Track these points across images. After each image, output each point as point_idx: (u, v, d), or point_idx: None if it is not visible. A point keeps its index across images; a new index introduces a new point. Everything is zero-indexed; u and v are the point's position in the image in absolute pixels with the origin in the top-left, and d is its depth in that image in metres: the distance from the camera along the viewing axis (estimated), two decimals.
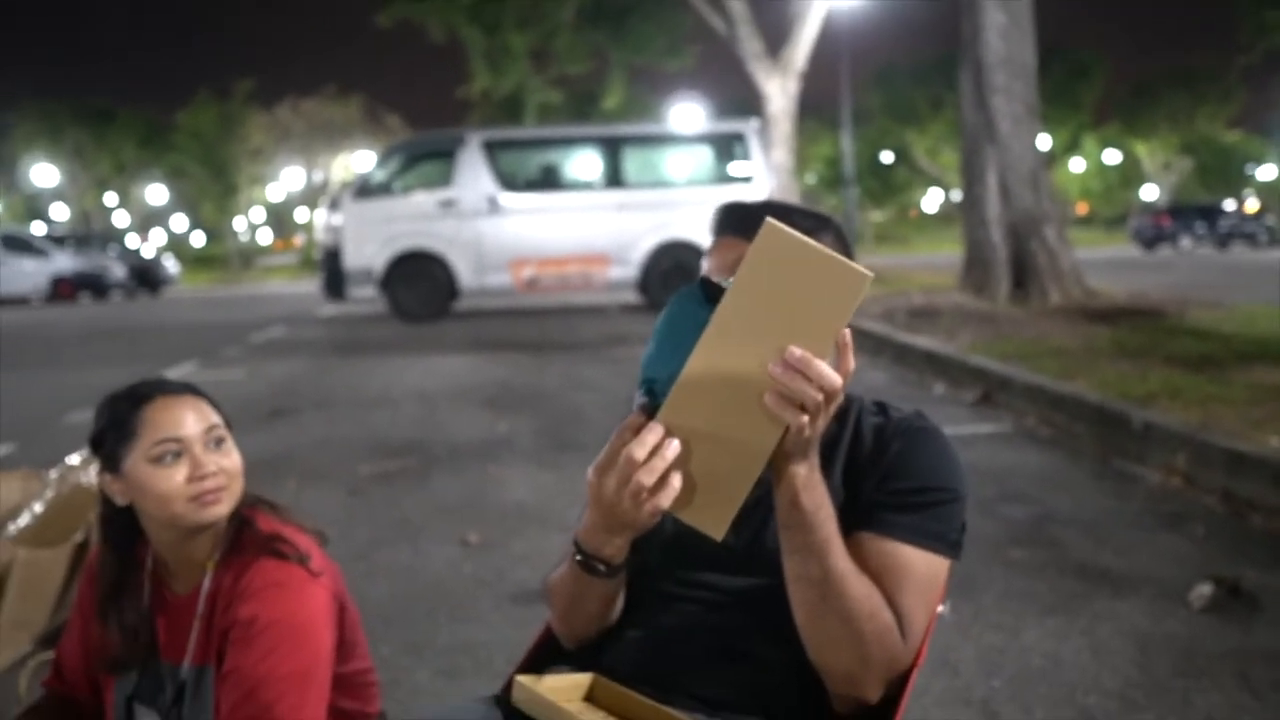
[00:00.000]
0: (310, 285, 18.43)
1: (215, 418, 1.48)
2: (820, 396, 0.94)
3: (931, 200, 60.98)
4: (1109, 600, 2.81)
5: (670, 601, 1.21)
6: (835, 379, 0.94)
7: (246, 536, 1.52)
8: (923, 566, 1.11)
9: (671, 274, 12.07)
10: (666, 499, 0.98)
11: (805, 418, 0.95)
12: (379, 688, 1.61)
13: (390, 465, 4.73)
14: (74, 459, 3.00)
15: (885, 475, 1.16)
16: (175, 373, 8.45)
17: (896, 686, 1.11)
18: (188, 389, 1.49)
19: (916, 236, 48.78)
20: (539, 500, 4.08)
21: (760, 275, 0.92)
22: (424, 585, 3.16)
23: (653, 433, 0.97)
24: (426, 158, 13.29)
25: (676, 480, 0.98)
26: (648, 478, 0.97)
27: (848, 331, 0.96)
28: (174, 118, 44.21)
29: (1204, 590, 2.79)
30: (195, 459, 1.42)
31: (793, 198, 19.33)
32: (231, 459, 1.48)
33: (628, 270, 12.50)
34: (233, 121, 42.36)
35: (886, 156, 50.30)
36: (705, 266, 1.23)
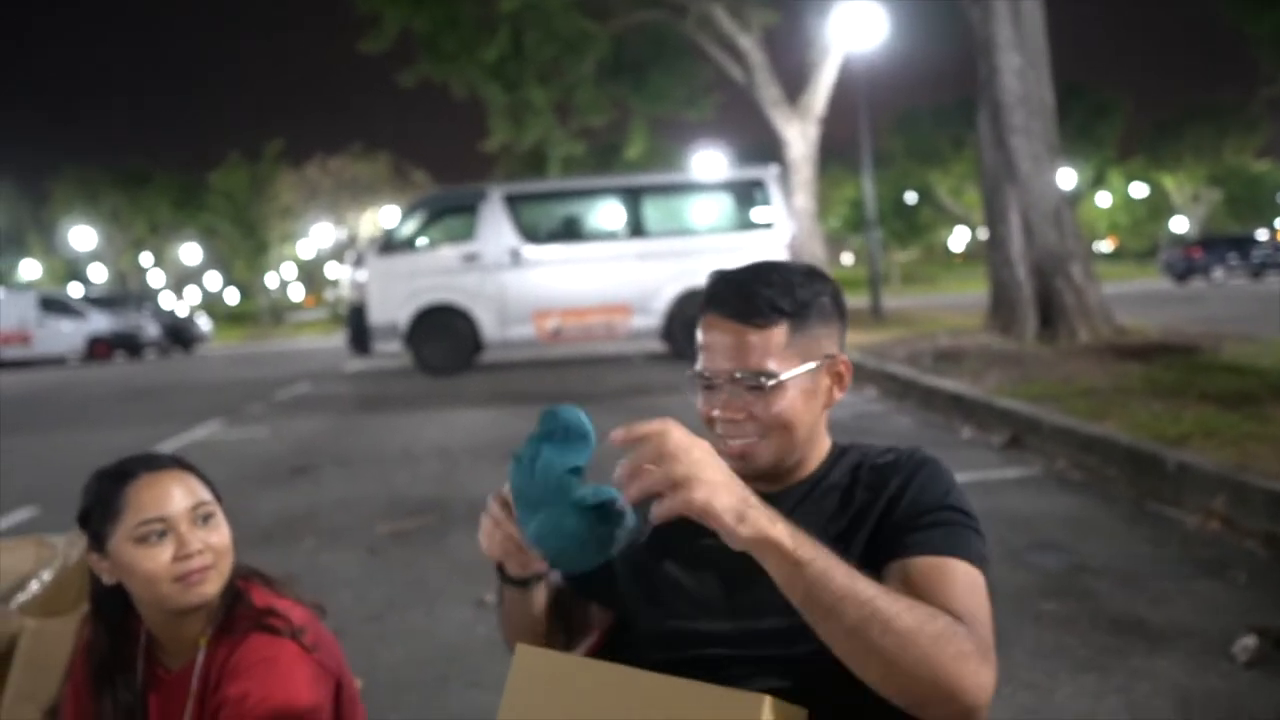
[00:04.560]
0: (339, 340, 18.66)
1: (204, 493, 1.44)
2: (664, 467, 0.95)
3: (958, 239, 60.82)
4: (1146, 655, 2.69)
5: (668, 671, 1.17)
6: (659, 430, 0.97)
7: (239, 611, 1.47)
8: (962, 574, 1.08)
9: (694, 322, 11.96)
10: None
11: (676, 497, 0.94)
12: None
13: (409, 524, 4.69)
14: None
15: (898, 504, 1.16)
16: (201, 431, 8.50)
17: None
18: (175, 463, 1.46)
19: (944, 276, 48.58)
20: None
21: None
22: (438, 649, 3.10)
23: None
24: (449, 212, 13.43)
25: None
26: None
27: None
28: (206, 178, 45.30)
29: (1248, 642, 2.66)
30: (180, 538, 1.39)
31: (816, 242, 19.34)
32: (219, 535, 1.44)
33: (651, 319, 12.48)
34: (263, 181, 43.36)
35: (910, 197, 50.35)
36: (700, 355, 1.23)
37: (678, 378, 1.25)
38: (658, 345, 12.82)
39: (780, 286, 1.18)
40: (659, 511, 0.96)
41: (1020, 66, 9.60)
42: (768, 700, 0.95)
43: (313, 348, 24.60)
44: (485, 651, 3.02)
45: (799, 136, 18.94)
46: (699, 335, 1.24)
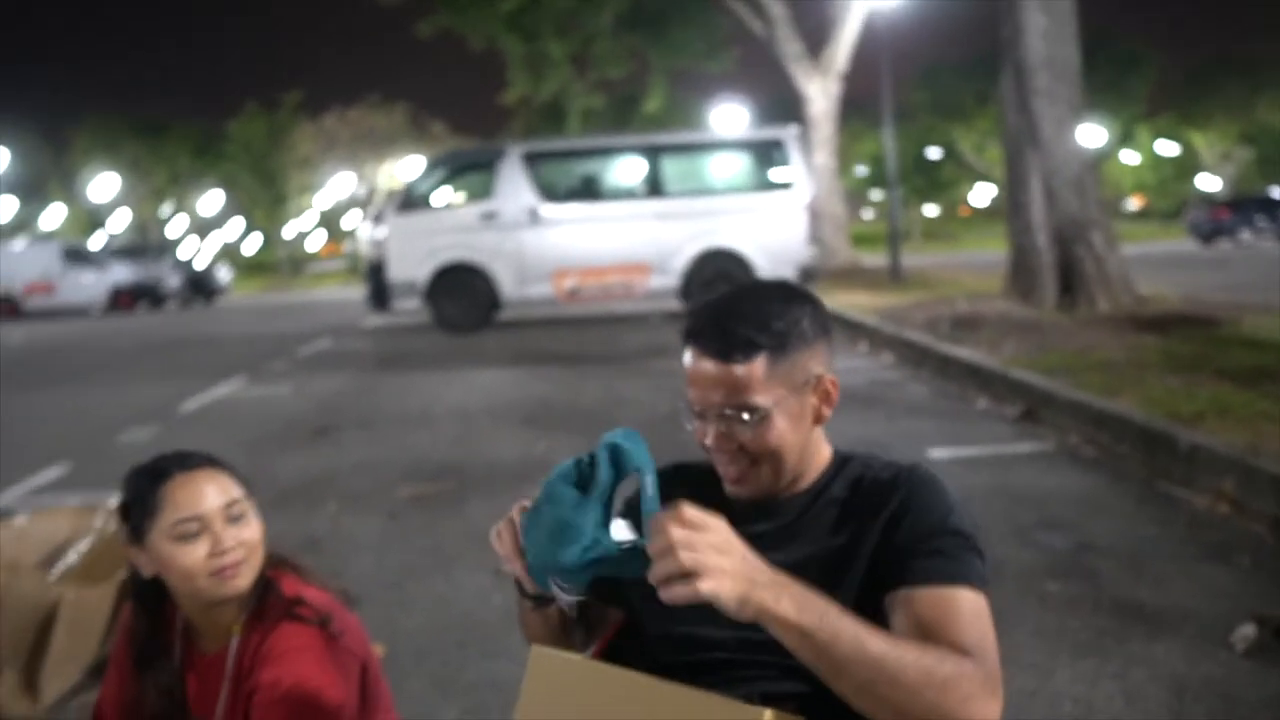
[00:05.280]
0: (357, 292, 18.80)
1: (235, 491, 1.52)
2: (692, 549, 0.99)
3: (981, 195, 60.09)
4: (1145, 640, 2.74)
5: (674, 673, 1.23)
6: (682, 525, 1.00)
7: (270, 601, 1.56)
8: (967, 604, 1.12)
9: (713, 282, 12.03)
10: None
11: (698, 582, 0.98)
12: None
13: (428, 488, 4.79)
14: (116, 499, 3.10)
15: (900, 525, 1.19)
16: (224, 388, 8.64)
17: None
18: (209, 461, 1.53)
19: (965, 233, 48.11)
20: None
21: None
22: (455, 617, 3.20)
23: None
24: (467, 170, 13.45)
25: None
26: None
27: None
28: (225, 127, 45.21)
29: (1247, 631, 2.71)
30: (215, 535, 1.47)
31: (836, 200, 19.18)
32: (251, 530, 1.52)
33: (669, 279, 12.50)
34: (281, 132, 43.22)
35: (933, 153, 49.67)
36: (688, 384, 1.26)
37: None
38: (676, 305, 12.85)
39: (756, 322, 1.20)
40: (668, 596, 1.00)
41: (1045, 27, 9.42)
42: (768, 713, 1.01)
43: (332, 299, 24.73)
44: (502, 621, 3.11)
45: (820, 93, 18.70)
46: (685, 360, 1.27)
